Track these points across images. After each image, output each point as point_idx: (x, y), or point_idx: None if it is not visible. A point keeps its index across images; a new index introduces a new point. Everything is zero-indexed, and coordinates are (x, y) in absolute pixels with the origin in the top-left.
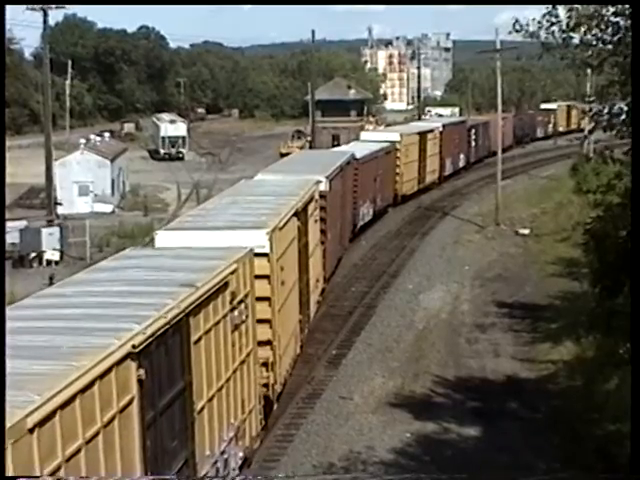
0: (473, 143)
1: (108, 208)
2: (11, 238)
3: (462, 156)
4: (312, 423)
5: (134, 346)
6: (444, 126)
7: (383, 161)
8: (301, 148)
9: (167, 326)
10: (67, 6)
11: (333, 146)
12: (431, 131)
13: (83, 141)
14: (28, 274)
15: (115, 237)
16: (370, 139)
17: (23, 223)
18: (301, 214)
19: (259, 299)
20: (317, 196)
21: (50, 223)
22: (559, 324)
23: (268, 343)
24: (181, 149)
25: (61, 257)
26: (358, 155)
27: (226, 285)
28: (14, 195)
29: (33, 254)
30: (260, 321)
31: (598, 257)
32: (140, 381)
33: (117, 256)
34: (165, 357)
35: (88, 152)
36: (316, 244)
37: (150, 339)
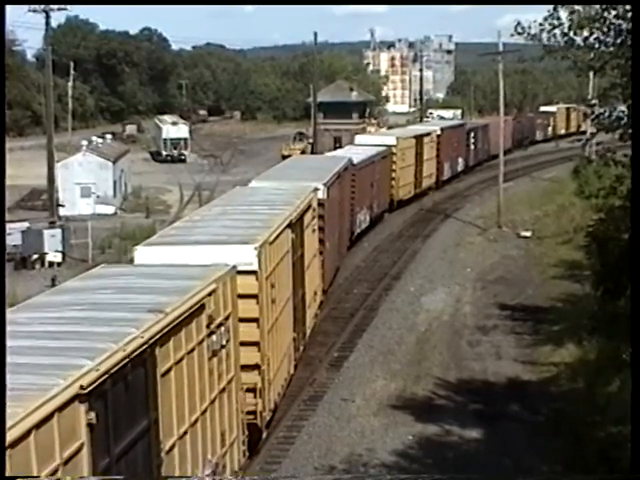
0: (472, 147)
1: (110, 210)
2: (13, 240)
3: (461, 160)
4: (314, 425)
5: (82, 387)
6: (442, 129)
7: (380, 166)
8: (303, 150)
9: (127, 360)
10: (69, 8)
11: (335, 148)
12: (428, 134)
13: (85, 143)
14: (30, 276)
15: (117, 239)
16: (365, 143)
17: (25, 225)
18: (296, 225)
19: (246, 320)
20: (315, 204)
21: (52, 225)
22: (561, 326)
23: (256, 367)
24: (183, 151)
25: (63, 259)
26: (355, 160)
27: (202, 308)
28: (16, 197)
29: (35, 256)
30: (247, 344)
31: (600, 260)
32: (91, 425)
33: (86, 275)
34: (125, 394)
35: (90, 154)
36: (314, 255)
37: (104, 377)
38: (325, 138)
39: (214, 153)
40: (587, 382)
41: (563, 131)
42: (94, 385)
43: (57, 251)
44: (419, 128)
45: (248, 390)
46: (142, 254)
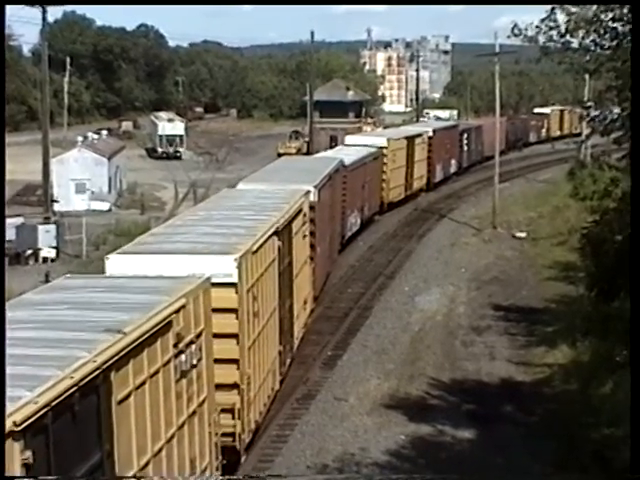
0: (465, 148)
1: (105, 206)
2: (7, 235)
3: (454, 161)
4: (307, 424)
5: (16, 423)
6: (434, 131)
7: (371, 167)
8: (299, 149)
9: (74, 389)
10: (55, 5)
11: (331, 147)
12: (419, 136)
13: (80, 139)
14: (24, 271)
15: (112, 235)
16: (356, 143)
17: (19, 220)
18: (283, 232)
19: (224, 336)
20: (306, 208)
21: (47, 220)
22: (555, 328)
23: (234, 387)
24: (179, 148)
25: (57, 254)
26: (346, 161)
27: (169, 326)
28: (11, 192)
29: (29, 251)
30: (225, 361)
31: (594, 261)
32: (27, 465)
33: (48, 287)
34: (71, 427)
35: (85, 150)
36: (304, 262)
37: (44, 409)
38: (321, 137)
39: (210, 150)
40: (581, 383)
41: (557, 133)
42: (31, 420)
43: (51, 247)
44: (411, 129)
45: (226, 411)
46: (114, 263)
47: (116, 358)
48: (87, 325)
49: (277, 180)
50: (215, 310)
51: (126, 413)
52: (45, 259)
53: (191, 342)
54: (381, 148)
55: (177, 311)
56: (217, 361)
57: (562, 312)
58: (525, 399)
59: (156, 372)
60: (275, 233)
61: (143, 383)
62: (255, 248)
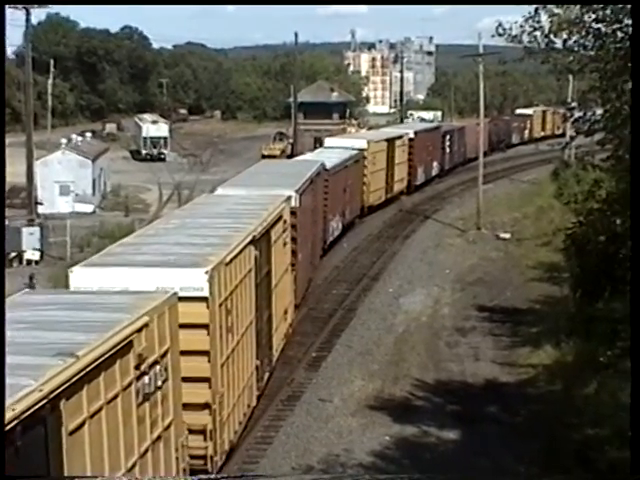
0: (448, 150)
1: (89, 208)
2: None
3: (435, 164)
4: (291, 425)
5: None
6: (415, 132)
7: (352, 170)
8: (283, 150)
9: (15, 422)
10: (51, 5)
11: (315, 148)
12: (400, 138)
13: (64, 141)
14: (8, 273)
15: (96, 237)
16: (335, 146)
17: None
18: (261, 241)
19: (195, 353)
20: (287, 215)
21: (31, 222)
22: (539, 328)
23: (206, 406)
24: (163, 150)
25: (41, 257)
26: (328, 164)
27: (129, 346)
28: None
29: (13, 254)
30: (195, 380)
31: (579, 262)
32: None
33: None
34: (15, 463)
35: (69, 152)
36: (285, 270)
37: None
38: (305, 138)
39: (194, 152)
40: (565, 384)
41: (539, 134)
42: None
43: (35, 249)
44: (391, 131)
45: (196, 432)
46: (78, 277)
47: (67, 385)
48: (38, 348)
49: (257, 185)
50: (185, 326)
51: (79, 444)
52: (29, 261)
53: (155, 362)
54: (361, 150)
55: (139, 330)
56: (187, 380)
57: (546, 313)
58: (509, 400)
59: (114, 397)
60: (251, 242)
61: (99, 410)
62: (229, 259)
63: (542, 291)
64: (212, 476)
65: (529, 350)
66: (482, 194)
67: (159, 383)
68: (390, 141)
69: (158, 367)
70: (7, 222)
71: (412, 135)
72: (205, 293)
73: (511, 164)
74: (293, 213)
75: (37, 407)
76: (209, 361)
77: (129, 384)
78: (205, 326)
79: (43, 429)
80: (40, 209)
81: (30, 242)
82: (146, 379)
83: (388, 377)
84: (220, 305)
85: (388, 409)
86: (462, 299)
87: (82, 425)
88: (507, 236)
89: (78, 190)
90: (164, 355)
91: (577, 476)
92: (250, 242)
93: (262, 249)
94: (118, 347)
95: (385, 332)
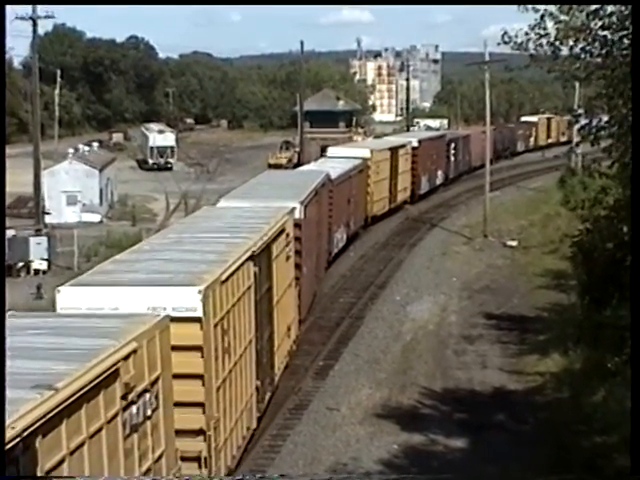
0: (452, 158)
1: (96, 218)
2: None
3: (440, 172)
4: (299, 434)
5: None
6: (419, 141)
7: (356, 180)
8: (289, 159)
9: None
10: (56, 15)
11: (322, 157)
12: (403, 146)
13: (71, 151)
14: (16, 283)
15: (103, 247)
16: (338, 155)
17: (11, 232)
18: (261, 256)
19: (188, 377)
20: (290, 227)
21: (38, 232)
22: (547, 336)
23: (200, 433)
24: (169, 159)
25: (49, 267)
26: (332, 175)
27: (115, 375)
28: None
29: (21, 263)
30: (189, 405)
31: (586, 269)
32: None
33: None
34: None
35: (76, 162)
36: (288, 285)
37: None
38: (312, 147)
39: (200, 161)
40: (572, 391)
41: (545, 142)
42: None
43: (43, 259)
44: (394, 140)
45: (190, 459)
46: (66, 297)
47: (43, 421)
48: (15, 379)
49: (260, 197)
50: (178, 348)
51: None
52: (37, 271)
53: (145, 391)
54: (364, 159)
55: (126, 357)
56: (180, 405)
57: (554, 320)
58: (517, 407)
59: (98, 430)
60: (250, 258)
61: (81, 445)
62: (225, 276)
63: (549, 298)
64: (230, 477)
65: (537, 358)
66: (489, 201)
67: (149, 412)
68: (393, 150)
69: (148, 395)
70: (15, 232)
71: (415, 144)
72: (198, 313)
73: (518, 171)
74: (298, 225)
75: (10, 446)
76: (203, 385)
77: (115, 416)
78: (199, 348)
79: (15, 470)
80: (47, 219)
81: (38, 252)
82: (134, 409)
83: (395, 385)
84: (215, 325)
85: (396, 417)
86: (469, 307)
87: (61, 463)
88: (514, 243)
89: (85, 200)
90: (154, 382)
91: (577, 476)
92: (249, 258)
93: (262, 265)
94: (102, 377)
95: (392, 340)
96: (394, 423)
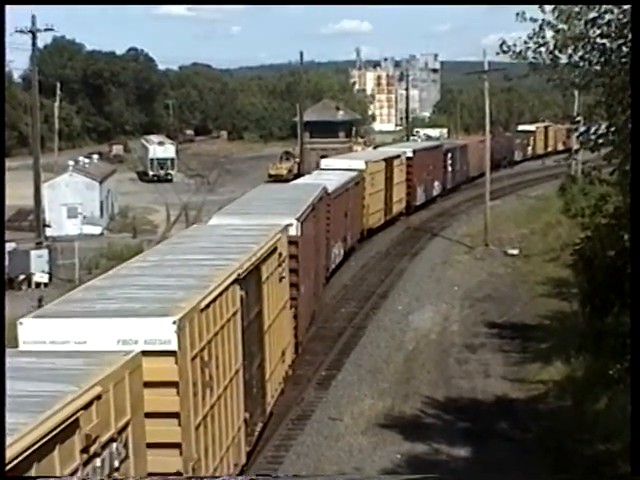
0: (450, 168)
1: (97, 230)
2: None
3: (437, 183)
4: (302, 444)
5: None
6: (414, 151)
7: (352, 193)
8: (290, 170)
9: None
10: (56, 28)
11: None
12: (398, 157)
13: (72, 163)
14: (17, 296)
15: (104, 259)
16: (333, 167)
17: (12, 245)
18: (249, 279)
19: (162, 415)
20: (284, 246)
21: (39, 245)
22: (549, 344)
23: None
24: (170, 171)
25: (50, 279)
26: (330, 188)
27: (74, 426)
28: None
29: (22, 276)
30: (163, 446)
31: (587, 277)
32: None
33: None
34: None
35: (77, 174)
36: (282, 307)
37: None
38: (312, 157)
39: (201, 173)
40: (575, 399)
41: (542, 151)
42: None
43: (44, 272)
44: (389, 150)
45: None
46: (28, 329)
47: None
48: None
49: (255, 213)
50: (151, 384)
51: None
52: (38, 284)
53: (111, 440)
54: (359, 171)
55: (88, 405)
56: (154, 446)
57: (556, 328)
58: (520, 416)
59: None
60: (236, 281)
61: None
62: (205, 304)
63: (551, 307)
64: (233, 477)
65: (539, 366)
66: (489, 210)
67: (116, 464)
68: (388, 161)
69: (115, 445)
70: (16, 245)
71: (410, 154)
72: (173, 346)
73: (518, 180)
74: (294, 243)
75: None
76: (179, 424)
77: (74, 471)
78: (174, 384)
79: None
80: (48, 231)
81: (39, 265)
82: (98, 462)
83: (398, 395)
84: (194, 358)
85: (398, 427)
86: (471, 316)
87: None
88: (515, 252)
89: (86, 212)
90: (123, 429)
91: (577, 476)
92: (234, 281)
93: (250, 288)
94: (57, 430)
95: (395, 350)
96: (397, 433)
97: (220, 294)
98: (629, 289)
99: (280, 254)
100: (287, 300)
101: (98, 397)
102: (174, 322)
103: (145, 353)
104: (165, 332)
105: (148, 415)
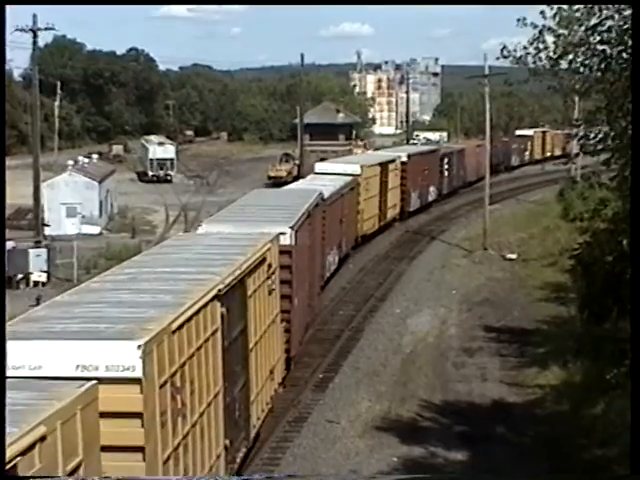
0: (446, 173)
1: (96, 230)
2: None
3: (432, 188)
4: (299, 447)
5: None
6: (409, 156)
7: (347, 198)
8: (289, 172)
9: None
10: (57, 27)
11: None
12: (392, 161)
13: (71, 162)
14: (15, 295)
15: (103, 259)
16: (327, 171)
17: (10, 244)
18: (231, 294)
19: (125, 450)
20: (273, 256)
21: (37, 244)
22: (546, 349)
23: None
24: (169, 171)
25: (48, 278)
26: (325, 194)
27: (12, 474)
28: None
29: (20, 275)
30: None
31: (585, 282)
32: None
33: None
34: None
35: (76, 173)
36: (270, 322)
37: None
38: (311, 159)
39: (200, 174)
40: (572, 404)
41: (540, 155)
42: None
43: (42, 271)
44: (384, 154)
45: None
46: None
47: None
48: None
49: (247, 220)
50: (111, 415)
51: None
52: (36, 283)
53: None
54: (355, 175)
55: (29, 448)
56: None
57: (553, 333)
58: (517, 420)
59: None
60: (216, 297)
61: None
62: (177, 324)
63: (549, 311)
64: (233, 477)
65: (536, 370)
66: (488, 214)
67: None
68: (383, 165)
69: None
70: (14, 244)
71: (405, 158)
72: (137, 373)
73: (517, 184)
74: (288, 253)
75: None
76: (144, 459)
77: None
78: (138, 415)
79: None
80: (47, 231)
81: (37, 264)
82: None
83: (395, 398)
84: (163, 385)
85: (395, 430)
86: (469, 319)
87: None
88: (513, 256)
89: (85, 212)
90: (73, 472)
91: (577, 476)
92: (214, 297)
93: (233, 304)
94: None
95: (392, 353)
96: (394, 436)
97: (197, 312)
98: (627, 295)
99: (270, 265)
100: (277, 314)
101: (42, 438)
102: (139, 346)
103: (106, 380)
104: (129, 357)
105: (108, 449)
